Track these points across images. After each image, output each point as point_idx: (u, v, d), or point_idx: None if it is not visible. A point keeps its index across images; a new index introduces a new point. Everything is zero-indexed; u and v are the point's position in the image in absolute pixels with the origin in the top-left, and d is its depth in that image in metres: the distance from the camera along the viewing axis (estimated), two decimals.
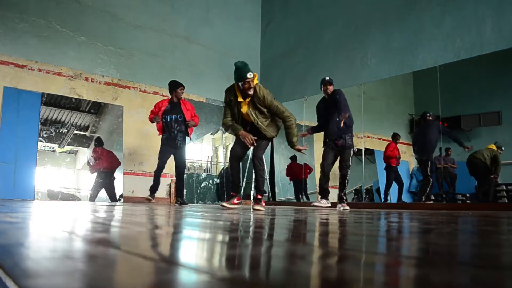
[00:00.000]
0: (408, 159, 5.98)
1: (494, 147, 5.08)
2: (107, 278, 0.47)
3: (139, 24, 6.77)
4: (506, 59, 4.91)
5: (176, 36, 7.21)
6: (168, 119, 5.06)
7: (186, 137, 5.20)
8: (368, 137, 6.33)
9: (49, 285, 0.41)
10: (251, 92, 3.43)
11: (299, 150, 3.85)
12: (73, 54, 6.03)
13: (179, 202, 5.13)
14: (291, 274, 0.53)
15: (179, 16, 7.29)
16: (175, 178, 5.33)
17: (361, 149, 6.31)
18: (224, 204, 3.65)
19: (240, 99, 3.50)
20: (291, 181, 7.44)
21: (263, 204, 3.71)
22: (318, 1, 7.42)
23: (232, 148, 3.80)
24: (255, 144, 3.61)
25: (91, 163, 6.04)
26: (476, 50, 5.14)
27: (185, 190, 6.80)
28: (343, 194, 4.45)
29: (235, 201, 3.68)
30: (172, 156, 5.13)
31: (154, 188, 5.07)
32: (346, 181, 4.44)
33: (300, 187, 7.23)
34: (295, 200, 7.25)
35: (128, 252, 0.69)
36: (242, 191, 6.45)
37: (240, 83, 3.42)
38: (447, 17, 5.52)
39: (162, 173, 5.11)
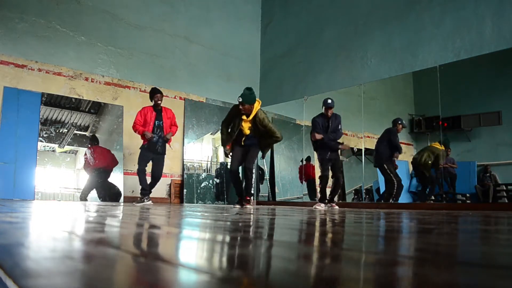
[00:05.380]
0: (408, 159, 5.98)
1: (438, 146, 5.34)
2: (107, 278, 0.47)
3: (139, 24, 6.76)
4: (506, 59, 4.91)
5: (176, 36, 7.21)
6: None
7: (166, 144, 5.26)
8: (368, 137, 6.33)
9: (49, 285, 0.41)
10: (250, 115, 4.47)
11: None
12: (73, 54, 6.02)
13: (138, 199, 5.20)
14: (290, 274, 0.53)
15: (179, 16, 7.29)
16: (151, 179, 5.31)
17: (361, 149, 6.31)
18: (236, 206, 4.52)
19: (244, 117, 4.50)
20: (306, 182, 7.30)
21: (251, 203, 4.81)
22: (318, 1, 7.41)
23: (230, 165, 4.82)
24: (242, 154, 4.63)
25: (90, 163, 6.02)
26: (476, 50, 5.14)
27: (185, 190, 6.83)
28: (333, 197, 5.19)
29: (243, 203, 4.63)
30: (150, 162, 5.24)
31: (144, 190, 5.11)
32: (339, 185, 5.26)
33: (314, 186, 7.11)
34: (296, 200, 7.23)
35: (128, 252, 0.69)
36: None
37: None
38: (447, 17, 5.52)
39: (146, 173, 5.17)
